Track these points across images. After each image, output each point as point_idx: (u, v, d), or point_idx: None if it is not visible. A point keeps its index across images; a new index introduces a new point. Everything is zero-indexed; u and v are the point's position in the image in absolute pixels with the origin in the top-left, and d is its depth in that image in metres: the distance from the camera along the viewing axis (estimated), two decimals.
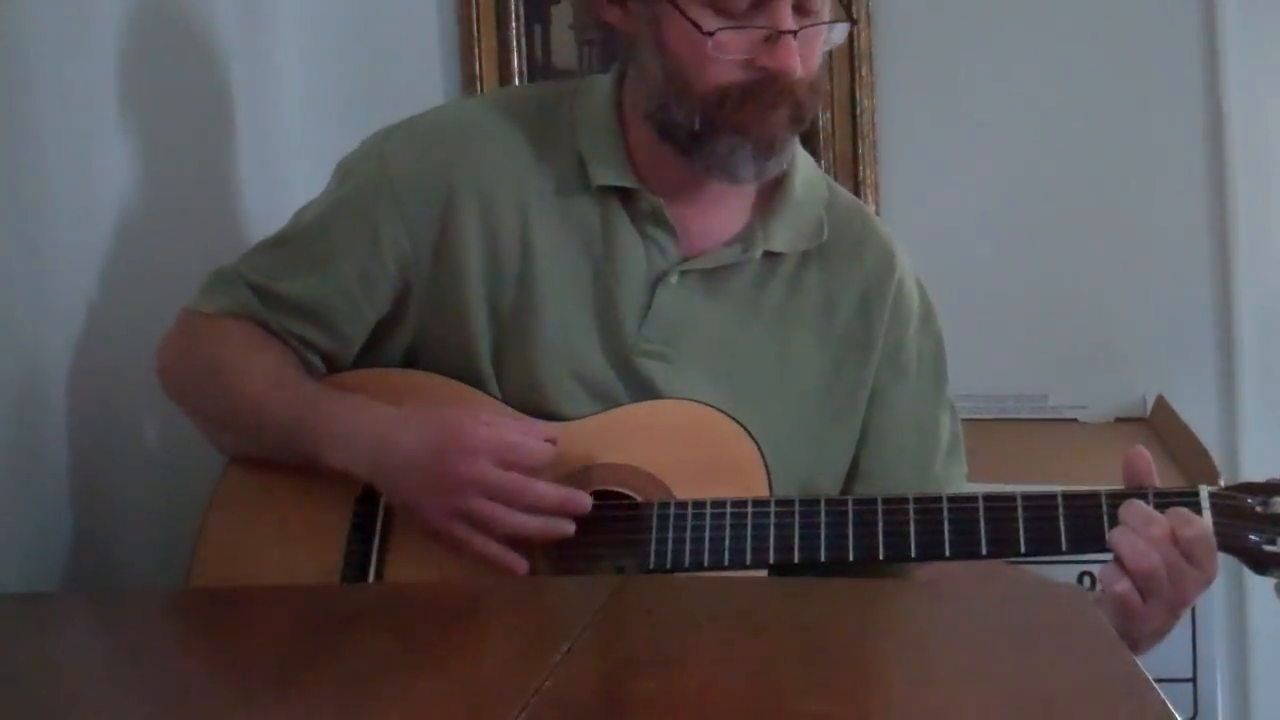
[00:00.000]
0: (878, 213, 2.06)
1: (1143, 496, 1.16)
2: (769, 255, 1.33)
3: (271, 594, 1.18)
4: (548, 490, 1.20)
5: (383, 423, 1.23)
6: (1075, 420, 2.03)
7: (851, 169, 2.07)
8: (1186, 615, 1.66)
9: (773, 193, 1.34)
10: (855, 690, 0.87)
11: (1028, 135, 2.06)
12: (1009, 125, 2.06)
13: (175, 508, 1.40)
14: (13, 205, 1.33)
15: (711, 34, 1.20)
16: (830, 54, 2.06)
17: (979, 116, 2.07)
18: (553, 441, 1.22)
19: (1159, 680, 0.81)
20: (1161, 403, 1.97)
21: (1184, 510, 1.14)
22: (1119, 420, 2.02)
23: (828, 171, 2.03)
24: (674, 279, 1.31)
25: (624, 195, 1.31)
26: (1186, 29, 2.02)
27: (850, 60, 2.06)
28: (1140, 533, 1.12)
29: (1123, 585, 1.12)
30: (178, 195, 1.64)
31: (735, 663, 0.91)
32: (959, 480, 1.38)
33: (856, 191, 2.04)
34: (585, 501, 1.21)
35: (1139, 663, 0.86)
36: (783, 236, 1.33)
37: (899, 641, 1.01)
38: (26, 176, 1.35)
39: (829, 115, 2.07)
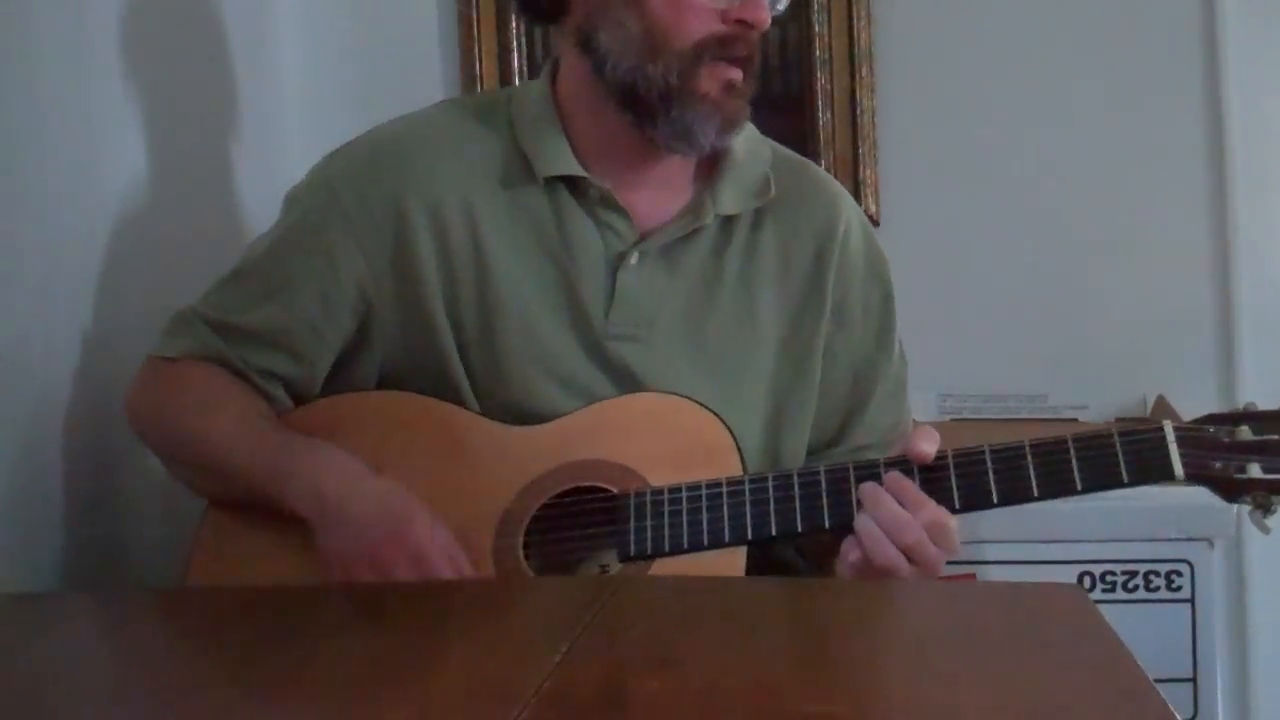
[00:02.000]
0: (878, 213, 2.06)
1: (1108, 436, 1.17)
2: (723, 221, 1.35)
3: (271, 594, 1.18)
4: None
5: (344, 482, 1.23)
6: (1075, 420, 2.03)
7: (851, 169, 2.07)
8: (1187, 616, 1.68)
9: (713, 159, 1.36)
10: (855, 690, 0.87)
11: (1027, 135, 2.06)
12: (1009, 125, 2.06)
13: (175, 508, 1.40)
14: (15, 206, 1.33)
15: None
16: (830, 55, 2.08)
17: (979, 117, 2.07)
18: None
19: (1159, 680, 0.81)
20: (1161, 403, 1.97)
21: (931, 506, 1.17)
22: (1119, 420, 2.02)
23: (827, 171, 2.03)
24: (634, 259, 1.31)
25: (572, 185, 1.32)
26: (1186, 29, 2.03)
27: (850, 60, 2.07)
28: (880, 523, 1.17)
29: (855, 556, 1.18)
30: (179, 195, 1.64)
31: (735, 663, 0.91)
32: (892, 425, 1.39)
33: (856, 191, 2.04)
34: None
35: (1139, 663, 0.86)
36: (731, 198, 1.34)
37: (899, 641, 1.01)
38: (29, 177, 1.35)
39: (829, 115, 2.07)
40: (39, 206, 1.37)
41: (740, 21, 1.26)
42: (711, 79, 1.26)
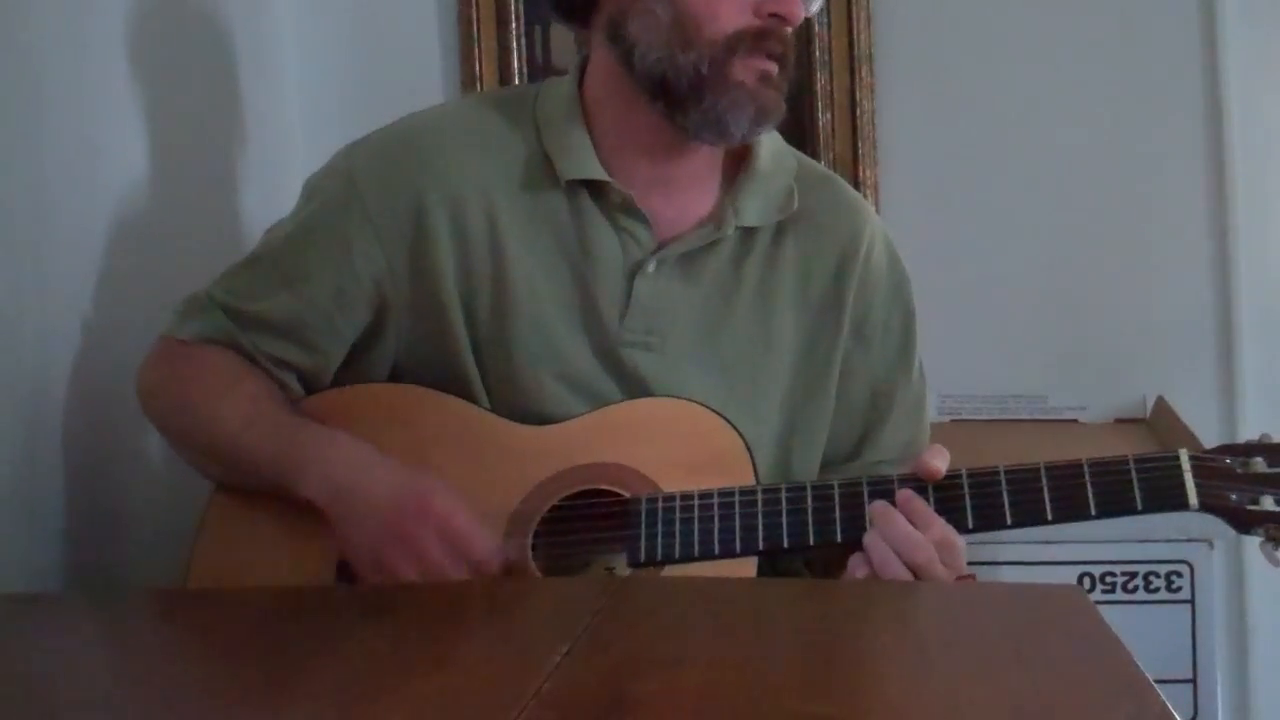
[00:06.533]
0: (878, 213, 2.06)
1: (1123, 463, 1.17)
2: (744, 232, 1.34)
3: (271, 594, 1.18)
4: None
5: (357, 469, 1.23)
6: (1075, 421, 2.03)
7: (851, 169, 2.07)
8: (1187, 617, 1.68)
9: (738, 169, 1.35)
10: (855, 690, 0.87)
11: (1027, 136, 2.06)
12: (1009, 126, 2.06)
13: (175, 508, 1.40)
14: (15, 207, 1.33)
15: None
16: (830, 55, 2.08)
17: (979, 117, 2.07)
18: (497, 561, 1.21)
19: (1159, 680, 0.81)
20: (1161, 403, 1.97)
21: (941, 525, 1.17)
22: (1119, 421, 2.03)
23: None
24: (651, 267, 1.31)
25: (593, 189, 1.31)
26: (1186, 29, 2.03)
27: (850, 61, 2.07)
28: (890, 541, 1.16)
29: (862, 573, 1.17)
30: (179, 196, 1.64)
31: (735, 663, 0.91)
32: (909, 443, 1.39)
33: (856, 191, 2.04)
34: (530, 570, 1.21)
35: (1139, 663, 0.86)
36: (753, 210, 1.34)
37: (899, 641, 1.01)
38: (29, 178, 1.35)
39: (829, 116, 2.07)
40: (38, 205, 1.37)
41: (774, 15, 1.25)
42: (745, 69, 1.25)
